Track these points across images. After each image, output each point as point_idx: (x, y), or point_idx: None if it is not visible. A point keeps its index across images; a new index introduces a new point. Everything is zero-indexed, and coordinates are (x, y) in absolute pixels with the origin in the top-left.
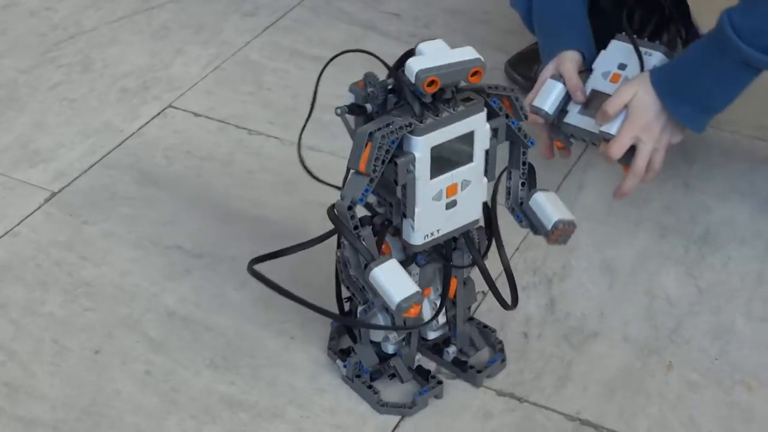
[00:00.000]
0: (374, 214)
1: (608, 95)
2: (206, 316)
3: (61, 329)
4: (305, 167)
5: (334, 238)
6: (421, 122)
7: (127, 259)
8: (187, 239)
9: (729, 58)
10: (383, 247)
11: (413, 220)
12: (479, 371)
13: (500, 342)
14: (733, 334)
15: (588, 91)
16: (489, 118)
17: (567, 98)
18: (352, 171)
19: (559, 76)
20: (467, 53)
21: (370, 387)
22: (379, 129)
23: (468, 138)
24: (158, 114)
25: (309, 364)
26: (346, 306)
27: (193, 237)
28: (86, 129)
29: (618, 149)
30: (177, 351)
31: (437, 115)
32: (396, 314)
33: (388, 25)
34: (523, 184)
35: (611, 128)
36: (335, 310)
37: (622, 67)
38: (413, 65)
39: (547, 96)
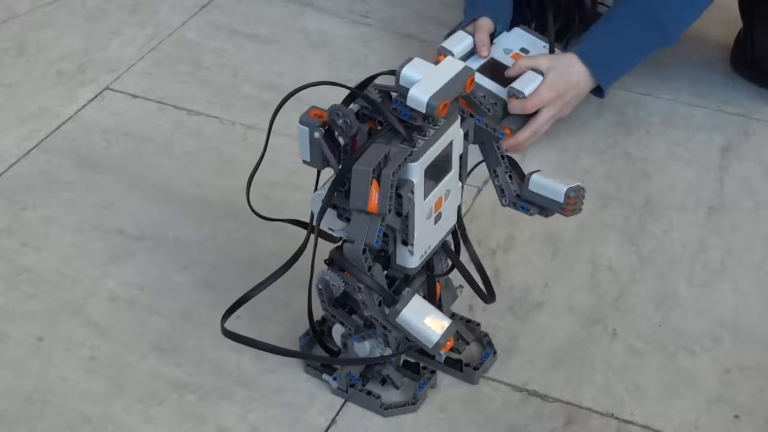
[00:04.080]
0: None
1: (507, 66)
2: (150, 299)
3: (3, 317)
4: (253, 210)
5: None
6: (414, 146)
7: (68, 244)
8: (129, 222)
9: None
10: None
11: (412, 245)
12: (476, 368)
13: (486, 335)
14: (675, 301)
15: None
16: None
17: (470, 55)
18: (355, 212)
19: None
20: (453, 66)
21: (369, 393)
22: (385, 166)
23: (448, 148)
24: (95, 96)
25: None
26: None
27: (135, 220)
28: (22, 114)
29: (532, 107)
30: (121, 335)
31: (424, 135)
32: (433, 351)
33: (325, 1)
34: (510, 177)
35: (525, 89)
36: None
37: (524, 50)
38: (419, 94)
39: (457, 43)
